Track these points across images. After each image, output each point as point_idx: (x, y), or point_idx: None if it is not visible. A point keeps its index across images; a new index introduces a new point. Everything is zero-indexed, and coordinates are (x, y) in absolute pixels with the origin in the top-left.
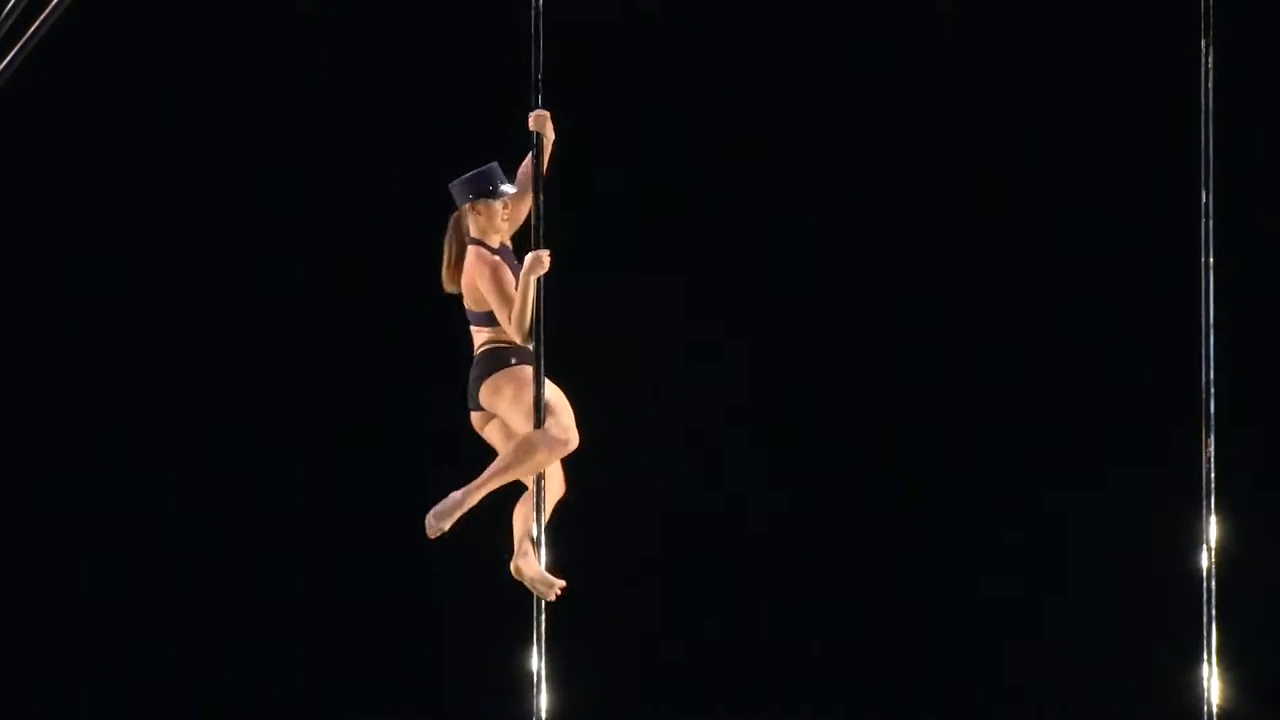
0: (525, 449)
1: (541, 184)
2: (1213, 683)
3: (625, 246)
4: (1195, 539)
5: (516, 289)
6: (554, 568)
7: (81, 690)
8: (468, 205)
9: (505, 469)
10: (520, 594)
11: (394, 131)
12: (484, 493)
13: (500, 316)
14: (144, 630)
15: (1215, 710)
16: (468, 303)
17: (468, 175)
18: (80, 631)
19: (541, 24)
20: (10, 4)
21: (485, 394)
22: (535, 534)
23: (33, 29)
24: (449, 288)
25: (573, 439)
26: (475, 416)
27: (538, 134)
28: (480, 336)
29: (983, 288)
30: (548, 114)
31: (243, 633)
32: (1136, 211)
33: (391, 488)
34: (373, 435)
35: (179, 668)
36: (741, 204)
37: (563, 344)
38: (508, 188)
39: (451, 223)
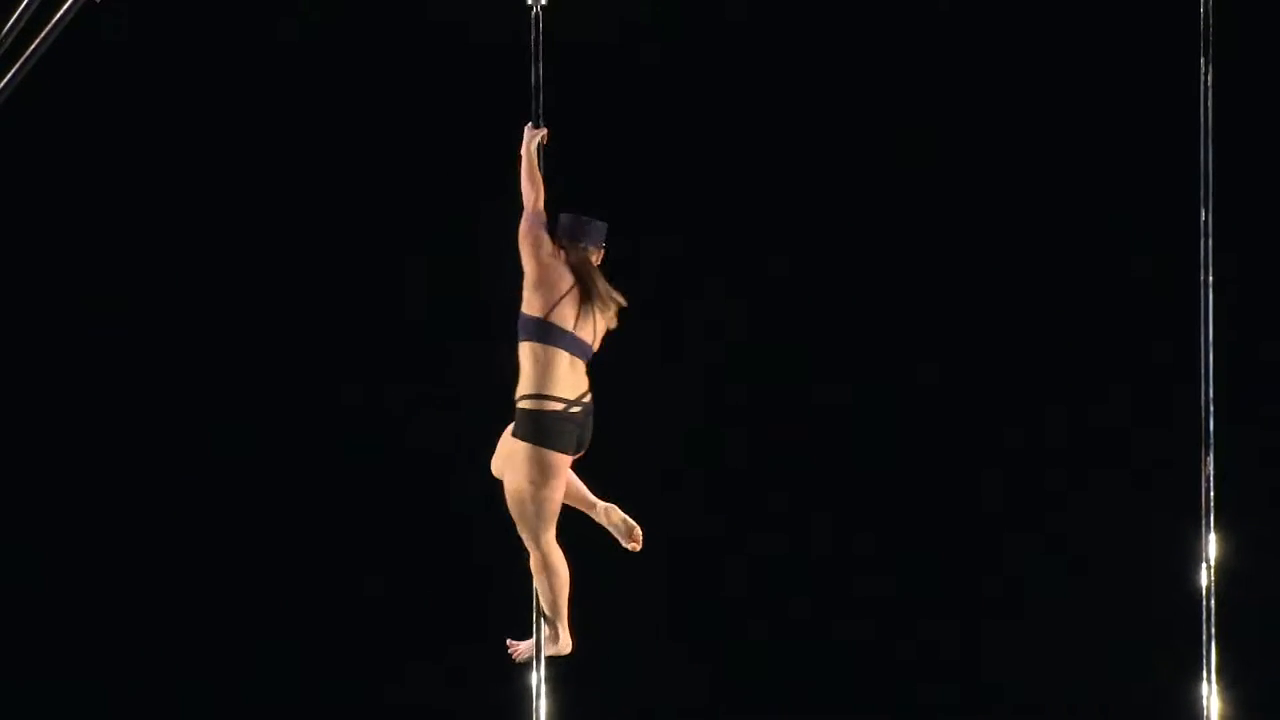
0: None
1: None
2: (1212, 700)
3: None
4: (1195, 556)
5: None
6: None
7: (61, 688)
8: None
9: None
10: (521, 594)
11: (392, 138)
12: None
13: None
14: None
15: None
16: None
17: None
18: (61, 627)
19: (541, 38)
20: (14, 18)
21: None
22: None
23: (35, 43)
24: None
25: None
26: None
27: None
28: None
29: (987, 298)
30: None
31: (236, 632)
32: (1136, 226)
33: (389, 491)
34: (369, 434)
35: (177, 668)
36: (741, 212)
37: None
38: (591, 236)
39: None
